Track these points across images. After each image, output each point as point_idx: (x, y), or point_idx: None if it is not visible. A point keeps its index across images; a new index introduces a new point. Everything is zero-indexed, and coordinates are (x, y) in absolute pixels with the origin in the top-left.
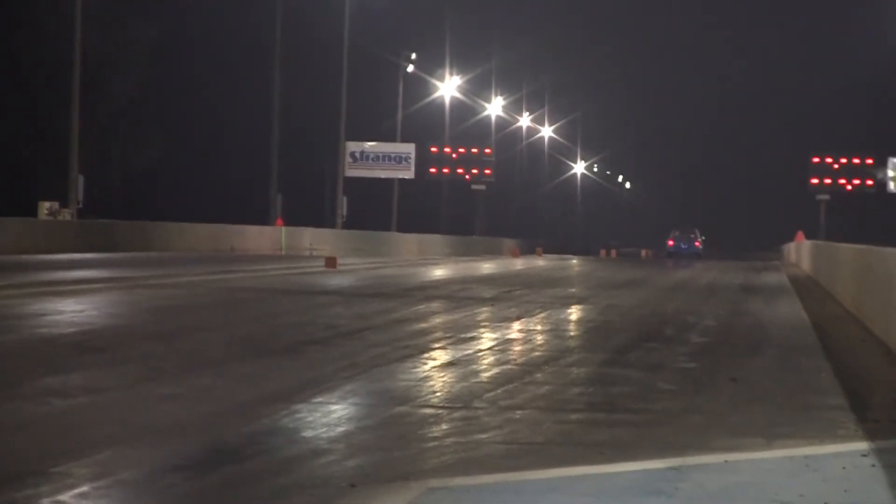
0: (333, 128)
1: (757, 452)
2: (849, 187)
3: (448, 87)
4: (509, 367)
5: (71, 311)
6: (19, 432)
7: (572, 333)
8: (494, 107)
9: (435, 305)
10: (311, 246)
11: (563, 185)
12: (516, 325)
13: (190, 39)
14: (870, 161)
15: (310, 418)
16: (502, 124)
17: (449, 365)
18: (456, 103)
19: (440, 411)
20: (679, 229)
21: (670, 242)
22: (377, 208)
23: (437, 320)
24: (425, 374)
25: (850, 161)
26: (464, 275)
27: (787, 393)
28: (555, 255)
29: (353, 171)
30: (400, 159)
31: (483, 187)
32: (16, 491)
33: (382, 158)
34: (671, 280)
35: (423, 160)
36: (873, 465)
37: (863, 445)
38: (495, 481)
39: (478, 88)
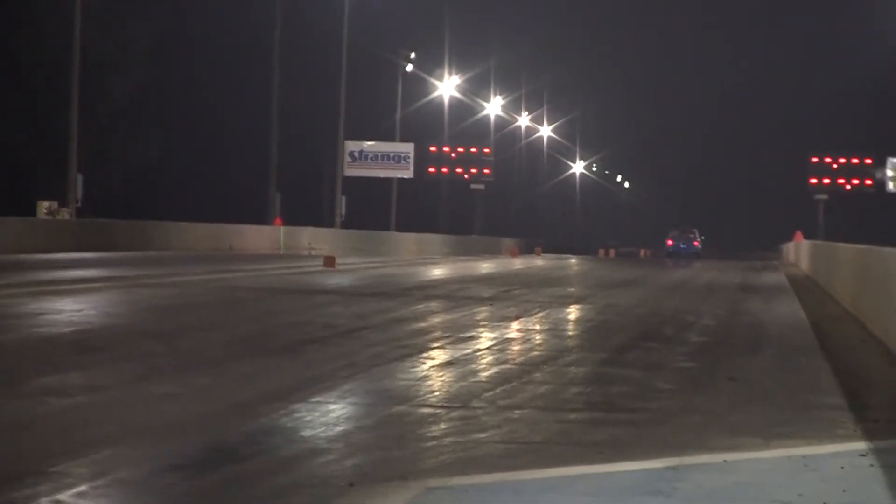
0: (332, 127)
1: (755, 452)
2: (848, 187)
3: (447, 87)
4: (508, 366)
5: (70, 311)
6: (18, 432)
7: (571, 333)
8: (493, 106)
9: (433, 305)
10: (310, 245)
11: (562, 185)
12: (515, 325)
13: (190, 39)
14: (869, 161)
15: (308, 418)
16: (501, 124)
17: (447, 364)
18: (455, 103)
19: (439, 411)
20: (678, 229)
21: (669, 242)
22: (376, 208)
23: (436, 320)
24: (424, 373)
25: (848, 161)
26: (462, 274)
27: (786, 393)
28: (553, 255)
29: (351, 171)
30: (399, 159)
31: (482, 187)
32: (15, 490)
33: (381, 158)
34: (670, 279)
35: (421, 159)
36: (872, 465)
37: (861, 445)
38: (494, 481)
39: (477, 88)
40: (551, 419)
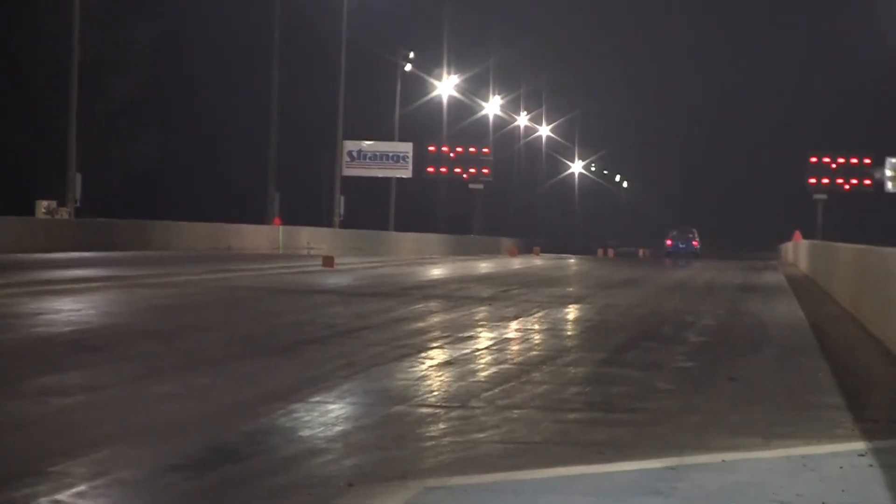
0: (331, 127)
1: (755, 452)
2: (847, 187)
3: (446, 87)
4: (507, 366)
5: (68, 310)
6: (17, 431)
7: (570, 333)
8: (492, 106)
9: (433, 305)
10: (309, 245)
11: (561, 185)
12: (514, 325)
13: (190, 39)
14: (868, 161)
15: (308, 418)
16: (500, 124)
17: (446, 364)
18: (454, 102)
19: (438, 411)
20: (677, 229)
21: (668, 242)
22: (375, 207)
23: (435, 319)
24: (423, 373)
25: (847, 161)
26: (461, 274)
27: (786, 392)
28: (552, 255)
29: (350, 171)
30: (398, 158)
31: (481, 186)
32: (14, 490)
33: (380, 157)
34: (669, 279)
35: (420, 159)
36: (871, 465)
37: (860, 445)
38: (493, 481)
39: (476, 88)
40: (550, 419)
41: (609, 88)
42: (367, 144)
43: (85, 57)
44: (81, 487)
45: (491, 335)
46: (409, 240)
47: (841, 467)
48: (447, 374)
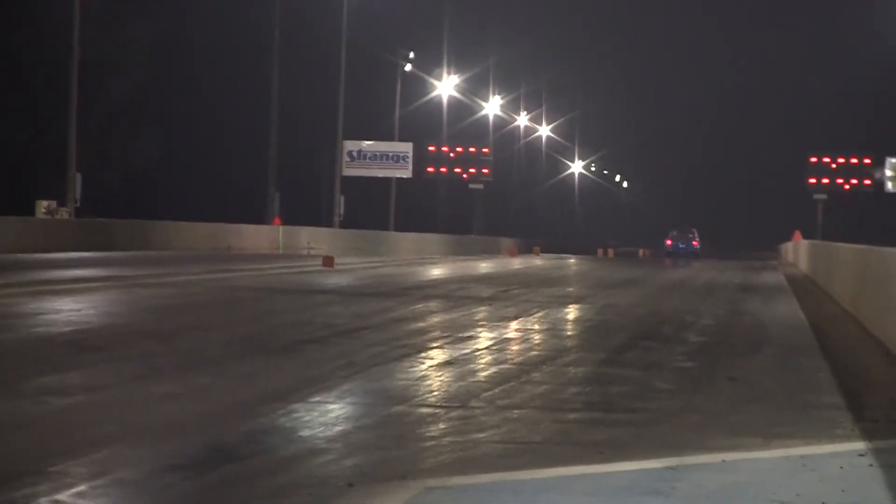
0: (331, 127)
1: (755, 452)
2: (847, 187)
3: (446, 87)
4: (507, 366)
5: (68, 310)
6: (17, 431)
7: (570, 333)
8: (492, 106)
9: (432, 305)
10: (309, 245)
11: (561, 185)
12: (514, 325)
13: (190, 39)
14: (868, 161)
15: (308, 417)
16: (500, 124)
17: (446, 364)
18: (454, 102)
19: (438, 410)
20: (677, 229)
21: (668, 242)
22: (375, 207)
23: (435, 319)
24: (423, 373)
25: (847, 161)
26: (461, 274)
27: (785, 392)
28: (552, 255)
29: (350, 171)
30: (397, 158)
31: (481, 186)
32: (14, 490)
33: (380, 157)
34: (669, 279)
35: (420, 159)
36: (871, 465)
37: (860, 445)
38: (493, 481)
39: (476, 87)
40: (550, 419)
41: (609, 88)
42: (367, 144)
43: (85, 57)
44: (81, 487)
45: (491, 335)
46: (409, 240)
47: (841, 467)
48: (447, 374)
